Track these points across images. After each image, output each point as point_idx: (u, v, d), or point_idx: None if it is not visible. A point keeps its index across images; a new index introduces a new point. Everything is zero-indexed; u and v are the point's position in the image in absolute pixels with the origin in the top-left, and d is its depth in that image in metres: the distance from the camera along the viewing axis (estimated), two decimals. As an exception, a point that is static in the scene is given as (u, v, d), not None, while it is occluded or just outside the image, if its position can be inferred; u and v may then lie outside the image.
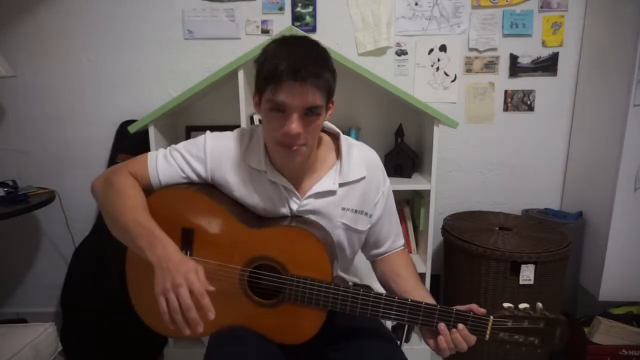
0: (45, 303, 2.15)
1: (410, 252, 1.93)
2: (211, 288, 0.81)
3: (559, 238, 1.66)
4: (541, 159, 2.06)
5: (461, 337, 0.86)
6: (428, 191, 1.74)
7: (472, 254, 1.63)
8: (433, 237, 1.77)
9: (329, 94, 0.89)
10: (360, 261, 1.28)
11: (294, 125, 0.84)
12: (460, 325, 0.86)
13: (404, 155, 1.84)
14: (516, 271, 1.57)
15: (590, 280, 1.83)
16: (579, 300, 1.96)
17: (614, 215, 1.69)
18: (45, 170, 2.03)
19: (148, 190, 0.98)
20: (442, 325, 0.87)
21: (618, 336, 1.72)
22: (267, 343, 0.92)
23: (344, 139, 1.02)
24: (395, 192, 1.91)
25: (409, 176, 1.84)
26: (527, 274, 1.56)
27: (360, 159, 1.01)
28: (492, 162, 2.07)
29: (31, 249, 2.12)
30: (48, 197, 1.77)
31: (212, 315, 0.79)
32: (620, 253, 1.72)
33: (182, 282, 0.78)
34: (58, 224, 2.03)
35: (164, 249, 0.83)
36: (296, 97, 0.82)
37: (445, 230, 1.81)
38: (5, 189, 1.70)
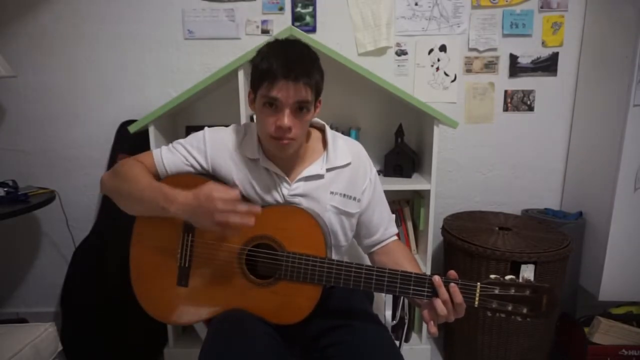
0: (45, 303, 2.16)
1: (410, 252, 1.93)
2: (235, 193, 0.88)
3: (559, 238, 1.66)
4: (541, 159, 2.06)
5: (453, 293, 0.89)
6: (428, 191, 1.74)
7: (472, 254, 1.63)
8: (433, 237, 1.77)
9: (317, 93, 0.98)
10: (357, 253, 1.29)
11: (286, 119, 0.92)
12: (452, 284, 0.90)
13: (404, 155, 1.84)
14: (516, 271, 1.57)
15: (590, 280, 1.83)
16: (579, 300, 1.96)
17: (614, 215, 1.69)
18: (45, 170, 2.03)
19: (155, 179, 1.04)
20: (436, 278, 0.90)
21: (618, 336, 1.72)
22: (266, 326, 0.96)
23: (329, 131, 1.10)
24: (395, 192, 1.94)
25: (409, 176, 1.84)
26: (527, 274, 1.56)
27: (346, 148, 1.10)
28: (492, 162, 2.07)
29: (31, 249, 2.12)
30: (48, 197, 1.77)
31: (257, 208, 0.88)
32: (620, 253, 1.72)
33: (214, 206, 0.86)
34: (58, 224, 2.03)
35: (176, 198, 0.90)
36: (288, 94, 0.91)
37: (445, 230, 1.81)
38: (5, 189, 1.70)
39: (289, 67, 0.90)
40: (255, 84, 0.96)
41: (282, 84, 0.90)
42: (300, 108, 0.94)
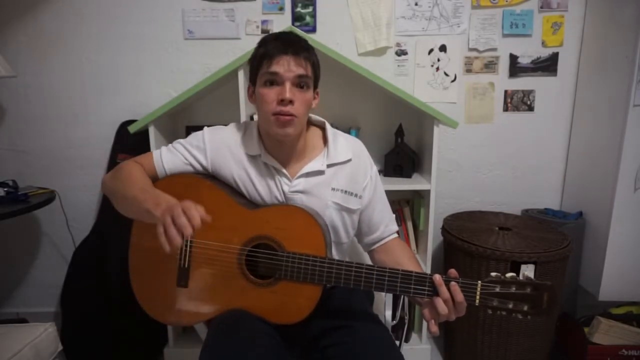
0: (45, 303, 2.16)
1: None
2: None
3: (559, 238, 1.66)
4: (541, 159, 2.06)
5: (454, 292, 0.89)
6: (428, 191, 1.74)
7: (472, 254, 1.63)
8: (433, 237, 1.77)
9: (315, 77, 1.01)
10: (358, 253, 1.28)
11: (288, 92, 0.94)
12: (453, 283, 0.90)
13: (404, 155, 1.84)
14: (516, 271, 1.56)
15: (590, 280, 1.83)
16: (579, 300, 1.96)
17: (614, 215, 1.69)
18: (45, 170, 2.03)
19: (154, 180, 1.05)
20: (437, 277, 0.90)
21: (618, 336, 1.72)
22: (267, 327, 0.96)
23: (330, 128, 1.11)
24: (395, 192, 1.94)
25: (409, 176, 1.84)
26: (527, 274, 1.56)
27: (346, 144, 1.10)
28: (492, 162, 2.07)
29: (31, 249, 2.12)
30: (48, 197, 1.77)
31: (207, 218, 0.83)
32: (620, 253, 1.72)
33: (178, 205, 0.83)
34: (58, 224, 2.03)
35: (168, 203, 0.88)
36: (289, 67, 0.94)
37: (445, 230, 1.81)
38: (5, 189, 1.69)
39: (287, 44, 0.95)
40: (254, 71, 0.99)
41: (281, 57, 0.94)
42: (300, 85, 0.96)
